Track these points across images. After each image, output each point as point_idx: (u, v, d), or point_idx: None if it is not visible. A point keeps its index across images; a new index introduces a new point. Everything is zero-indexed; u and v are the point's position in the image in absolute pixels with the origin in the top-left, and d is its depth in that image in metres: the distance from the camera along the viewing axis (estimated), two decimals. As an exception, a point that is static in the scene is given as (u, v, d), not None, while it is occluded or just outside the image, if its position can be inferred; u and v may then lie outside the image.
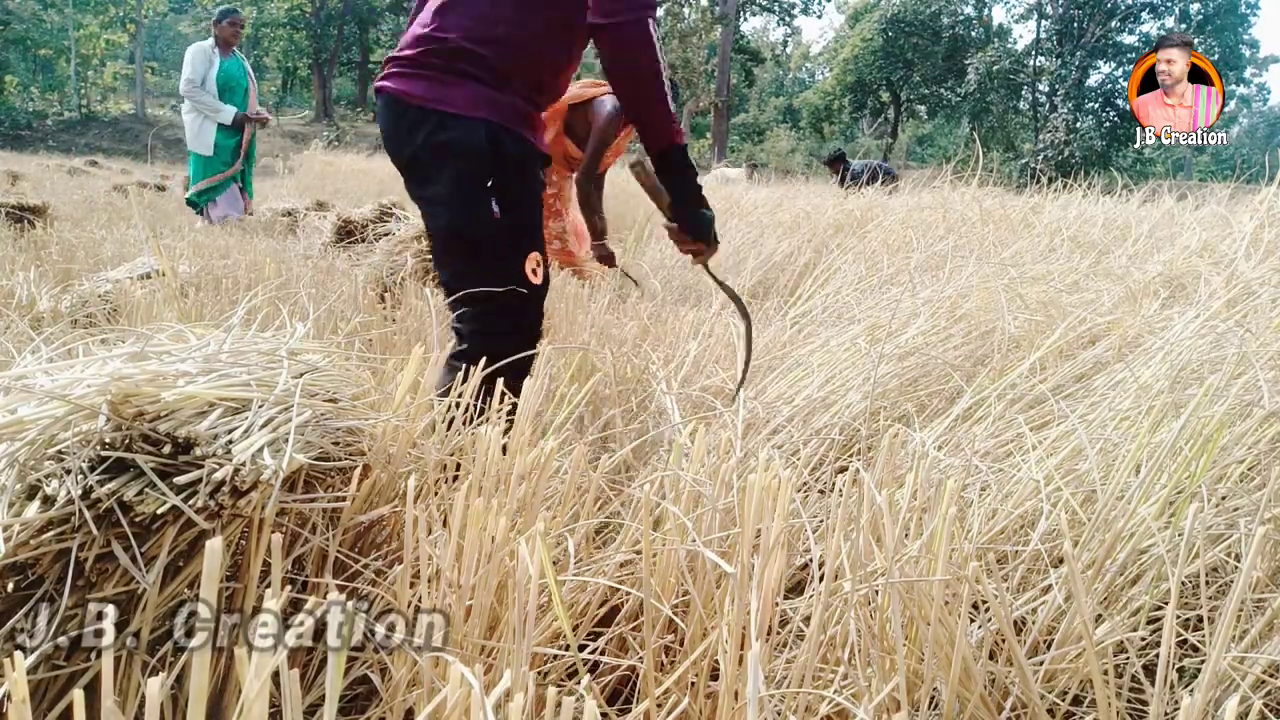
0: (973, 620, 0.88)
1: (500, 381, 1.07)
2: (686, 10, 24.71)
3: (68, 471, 0.72)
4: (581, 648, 0.92)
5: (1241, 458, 1.15)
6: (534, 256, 1.39)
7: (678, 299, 3.14)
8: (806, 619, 0.93)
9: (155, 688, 0.46)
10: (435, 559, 0.82)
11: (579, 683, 0.67)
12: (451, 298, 1.43)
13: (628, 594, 0.97)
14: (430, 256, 2.82)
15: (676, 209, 1.42)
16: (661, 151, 1.38)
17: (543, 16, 1.36)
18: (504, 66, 1.36)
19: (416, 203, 1.45)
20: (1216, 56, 24.25)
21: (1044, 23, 27.27)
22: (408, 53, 1.38)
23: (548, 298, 1.50)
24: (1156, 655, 0.82)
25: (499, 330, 1.37)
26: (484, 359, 1.18)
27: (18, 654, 0.46)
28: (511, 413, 1.12)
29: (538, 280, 1.40)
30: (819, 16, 33.52)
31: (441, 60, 1.35)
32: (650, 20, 1.30)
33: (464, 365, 1.24)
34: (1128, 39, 26.25)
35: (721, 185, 9.39)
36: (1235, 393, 1.17)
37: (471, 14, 1.35)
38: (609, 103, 3.16)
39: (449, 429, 1.10)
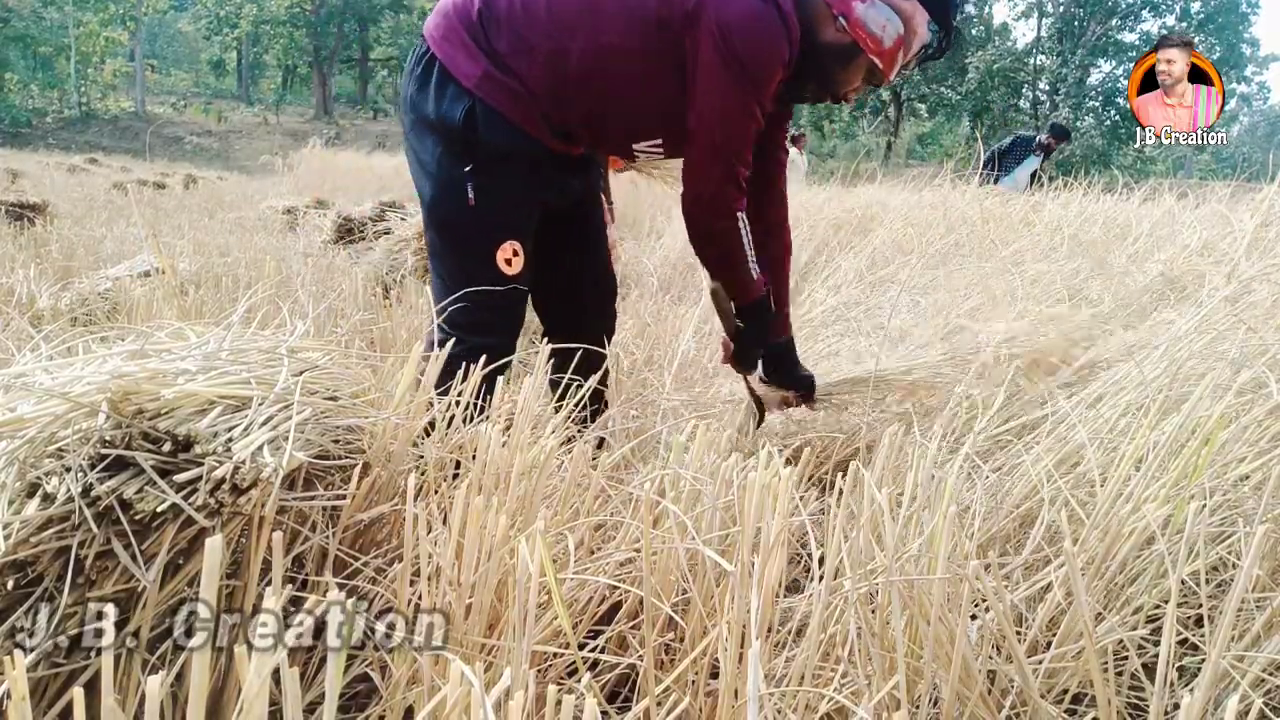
0: (973, 618, 0.88)
1: (491, 379, 1.07)
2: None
3: (68, 469, 0.72)
4: (581, 646, 0.92)
5: (1242, 455, 1.15)
6: (508, 246, 1.37)
7: (677, 298, 3.14)
8: (806, 617, 0.93)
9: (155, 686, 0.47)
10: (435, 557, 0.82)
11: (579, 681, 0.67)
12: (431, 280, 1.43)
13: (627, 592, 0.97)
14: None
15: (737, 341, 1.54)
16: (738, 305, 1.50)
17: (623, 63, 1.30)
18: (523, 63, 1.30)
19: (409, 159, 1.43)
20: (1217, 55, 24.21)
21: (1045, 21, 27.25)
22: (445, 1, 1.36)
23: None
24: (1156, 654, 0.82)
25: (471, 321, 1.35)
26: (457, 348, 1.17)
27: (18, 652, 0.46)
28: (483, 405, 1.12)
29: (512, 271, 1.37)
30: (819, 15, 33.20)
31: (463, 20, 1.32)
32: (738, 225, 1.37)
33: (435, 353, 1.20)
34: (1128, 37, 26.22)
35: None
36: (1236, 390, 1.17)
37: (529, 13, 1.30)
38: None
39: (449, 427, 1.09)
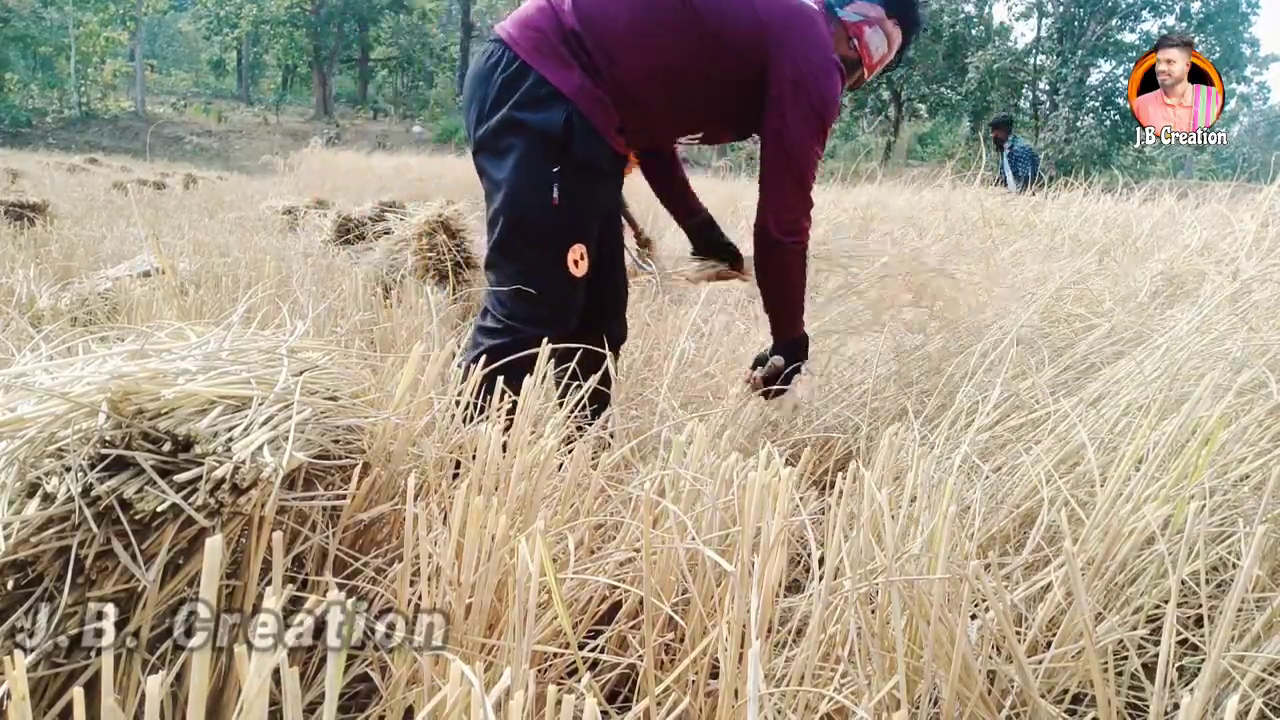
0: (973, 618, 0.88)
1: (500, 380, 1.07)
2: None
3: (68, 469, 0.72)
4: (581, 646, 0.92)
5: (1242, 455, 1.15)
6: (578, 248, 1.43)
7: (677, 298, 3.13)
8: (806, 617, 0.93)
9: (155, 686, 0.47)
10: (435, 557, 0.82)
11: (579, 681, 0.67)
12: (490, 268, 1.49)
13: (627, 592, 0.97)
14: (430, 255, 2.83)
15: (776, 380, 1.61)
16: (781, 339, 1.61)
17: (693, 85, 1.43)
18: (611, 74, 1.39)
19: (482, 154, 1.46)
20: (1217, 55, 24.17)
21: (1045, 21, 27.24)
22: (531, 12, 1.42)
23: None
24: (1156, 654, 0.82)
25: (531, 314, 1.42)
26: (502, 342, 1.31)
27: (18, 652, 0.46)
28: (513, 409, 1.13)
29: (578, 272, 1.44)
30: (819, 14, 33.20)
31: (556, 32, 1.39)
32: (805, 254, 1.53)
33: (485, 342, 1.40)
34: (1128, 37, 26.19)
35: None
36: (1236, 390, 1.17)
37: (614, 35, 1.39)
38: None
39: (450, 426, 1.09)
